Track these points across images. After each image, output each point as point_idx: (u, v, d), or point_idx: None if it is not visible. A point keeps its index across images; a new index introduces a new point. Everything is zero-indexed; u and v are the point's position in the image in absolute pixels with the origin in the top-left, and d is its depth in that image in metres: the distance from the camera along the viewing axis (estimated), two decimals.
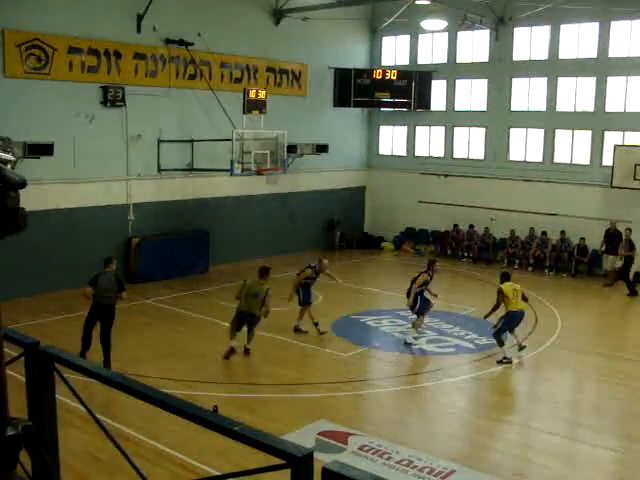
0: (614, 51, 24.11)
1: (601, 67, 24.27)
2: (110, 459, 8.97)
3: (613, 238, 23.01)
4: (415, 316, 16.28)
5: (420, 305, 15.96)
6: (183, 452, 9.93)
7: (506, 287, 14.75)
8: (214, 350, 15.17)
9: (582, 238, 24.27)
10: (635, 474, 10.30)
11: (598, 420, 12.24)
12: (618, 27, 23.96)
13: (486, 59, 26.90)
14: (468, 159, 27.76)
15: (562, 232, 24.81)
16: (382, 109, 29.54)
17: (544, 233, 25.21)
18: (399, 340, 16.29)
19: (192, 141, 22.54)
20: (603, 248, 23.34)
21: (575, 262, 24.50)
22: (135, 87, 21.08)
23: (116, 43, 20.59)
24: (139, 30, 21.06)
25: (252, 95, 21.31)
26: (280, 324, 16.65)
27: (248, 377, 13.54)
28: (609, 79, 24.27)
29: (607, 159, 24.29)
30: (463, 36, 27.22)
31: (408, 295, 15.96)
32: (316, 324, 16.39)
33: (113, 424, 9.73)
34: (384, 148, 30.26)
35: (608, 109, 24.44)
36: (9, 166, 2.85)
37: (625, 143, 24.04)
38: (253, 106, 21.34)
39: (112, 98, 20.49)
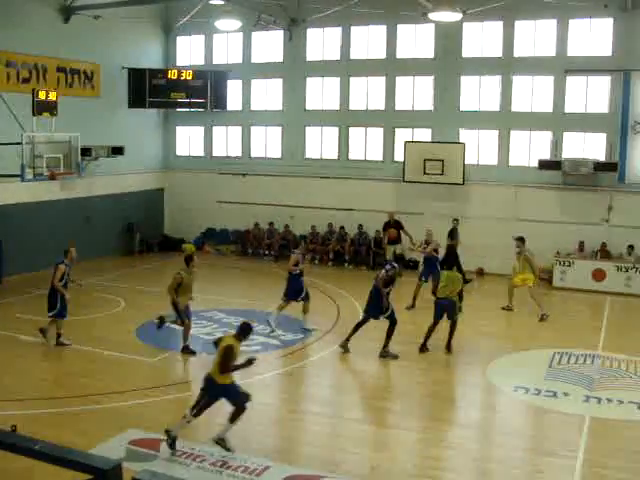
0: (401, 52, 25.37)
1: (390, 67, 25.43)
2: None
3: (393, 229, 24.17)
4: None
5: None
6: None
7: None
8: (13, 365, 14.37)
9: (378, 231, 25.28)
10: (438, 450, 10.84)
11: (402, 404, 12.79)
12: (404, 30, 25.23)
13: (281, 59, 27.33)
14: (266, 158, 28.08)
15: (359, 226, 25.74)
16: (178, 110, 29.17)
17: (342, 228, 26.01)
18: (205, 341, 16.17)
19: None
20: (386, 239, 24.44)
21: (373, 255, 25.46)
22: None
23: None
24: None
25: (42, 96, 20.31)
26: (83, 334, 16.06)
27: (52, 391, 12.91)
28: (397, 79, 25.49)
29: (398, 155, 25.46)
30: (258, 36, 27.48)
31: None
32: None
33: None
34: (181, 149, 29.94)
35: (398, 107, 25.65)
36: None
37: (414, 139, 25.31)
38: (43, 108, 20.35)
39: None
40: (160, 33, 28.82)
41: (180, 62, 29.07)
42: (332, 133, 26.95)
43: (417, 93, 25.53)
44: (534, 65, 23.72)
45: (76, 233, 24.46)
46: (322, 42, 26.68)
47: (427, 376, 14.30)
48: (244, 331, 10.55)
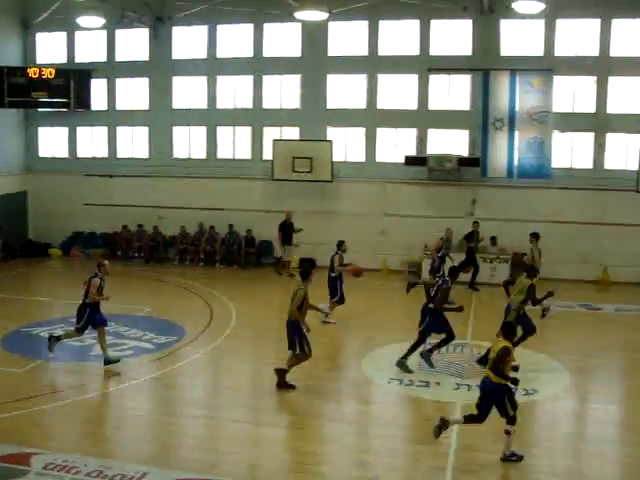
0: (268, 51, 25.53)
1: (257, 66, 25.50)
2: None
3: (287, 229, 24.10)
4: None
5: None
6: None
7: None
8: None
9: (249, 230, 25.32)
10: (316, 445, 10.92)
11: (276, 402, 12.84)
12: (271, 29, 25.37)
13: (146, 58, 26.83)
14: (133, 158, 27.52)
15: (230, 226, 25.65)
16: (40, 109, 28.11)
17: (212, 228, 25.84)
18: (76, 349, 15.70)
19: None
20: (281, 240, 24.24)
21: (244, 254, 25.43)
22: None
23: None
24: None
25: None
26: None
27: None
28: (265, 77, 25.59)
29: (267, 153, 25.53)
30: (122, 34, 26.87)
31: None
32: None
33: None
34: (45, 150, 28.89)
35: (265, 106, 25.74)
36: None
37: (282, 138, 25.44)
38: None
39: None
40: (18, 28, 27.62)
41: (41, 60, 27.94)
42: (200, 132, 26.71)
43: (284, 92, 25.67)
44: (398, 64, 24.29)
45: None
46: (188, 40, 26.36)
47: (301, 372, 14.35)
48: (510, 330, 10.74)
